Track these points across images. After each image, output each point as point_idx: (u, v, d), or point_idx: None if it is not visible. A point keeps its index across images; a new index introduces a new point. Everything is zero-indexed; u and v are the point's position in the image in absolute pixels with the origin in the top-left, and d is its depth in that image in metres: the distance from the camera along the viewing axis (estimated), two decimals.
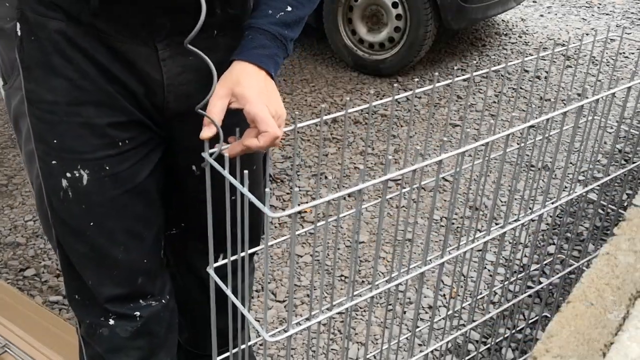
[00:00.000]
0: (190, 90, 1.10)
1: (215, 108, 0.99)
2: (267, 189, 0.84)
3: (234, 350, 1.09)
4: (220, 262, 1.05)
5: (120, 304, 1.18)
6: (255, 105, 0.99)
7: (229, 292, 1.00)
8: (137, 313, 1.19)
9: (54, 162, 1.08)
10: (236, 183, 0.90)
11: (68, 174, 1.08)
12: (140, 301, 1.20)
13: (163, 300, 1.23)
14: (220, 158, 0.96)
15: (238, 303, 0.98)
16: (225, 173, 0.92)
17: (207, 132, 0.98)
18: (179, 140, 1.17)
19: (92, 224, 1.11)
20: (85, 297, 1.18)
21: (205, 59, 0.95)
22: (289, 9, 1.06)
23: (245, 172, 0.88)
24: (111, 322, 1.19)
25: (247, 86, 1.00)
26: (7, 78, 1.14)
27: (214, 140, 0.98)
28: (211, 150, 0.97)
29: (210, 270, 1.02)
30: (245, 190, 0.88)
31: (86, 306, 1.19)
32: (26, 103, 1.07)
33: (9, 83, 1.13)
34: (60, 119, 1.05)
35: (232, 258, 1.02)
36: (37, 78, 1.04)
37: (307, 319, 0.98)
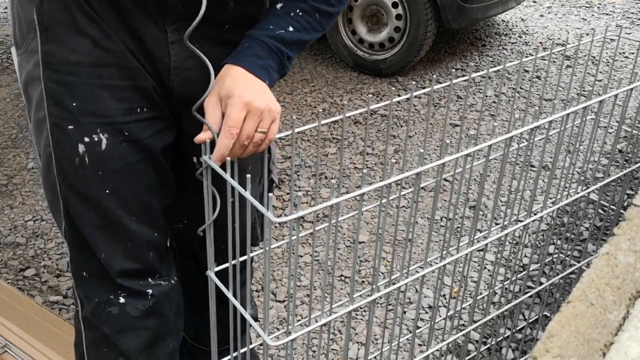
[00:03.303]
0: (195, 76, 1.11)
1: (212, 119, 1.00)
2: (270, 194, 0.83)
3: (234, 354, 1.09)
4: (222, 266, 1.05)
5: (131, 280, 1.16)
6: (232, 100, 0.98)
7: (229, 294, 1.00)
8: (150, 291, 1.18)
9: (70, 127, 1.06)
10: (236, 185, 0.90)
11: (86, 139, 1.06)
12: (150, 279, 1.18)
13: (172, 281, 1.23)
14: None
15: (239, 306, 0.98)
16: (226, 176, 0.92)
17: (202, 135, 0.99)
18: (184, 127, 1.17)
19: (107, 191, 1.09)
20: (95, 273, 1.15)
21: (202, 58, 0.95)
22: (291, 29, 1.07)
23: (248, 176, 0.87)
24: (122, 300, 1.16)
25: (229, 83, 1.00)
26: (21, 42, 1.10)
27: (214, 144, 0.98)
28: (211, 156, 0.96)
29: (211, 273, 1.02)
30: (247, 195, 0.87)
31: (95, 283, 1.16)
32: (42, 66, 1.05)
33: (23, 47, 1.09)
34: (82, 81, 1.04)
35: (233, 262, 1.02)
36: (58, 38, 1.03)
37: (308, 322, 0.98)
